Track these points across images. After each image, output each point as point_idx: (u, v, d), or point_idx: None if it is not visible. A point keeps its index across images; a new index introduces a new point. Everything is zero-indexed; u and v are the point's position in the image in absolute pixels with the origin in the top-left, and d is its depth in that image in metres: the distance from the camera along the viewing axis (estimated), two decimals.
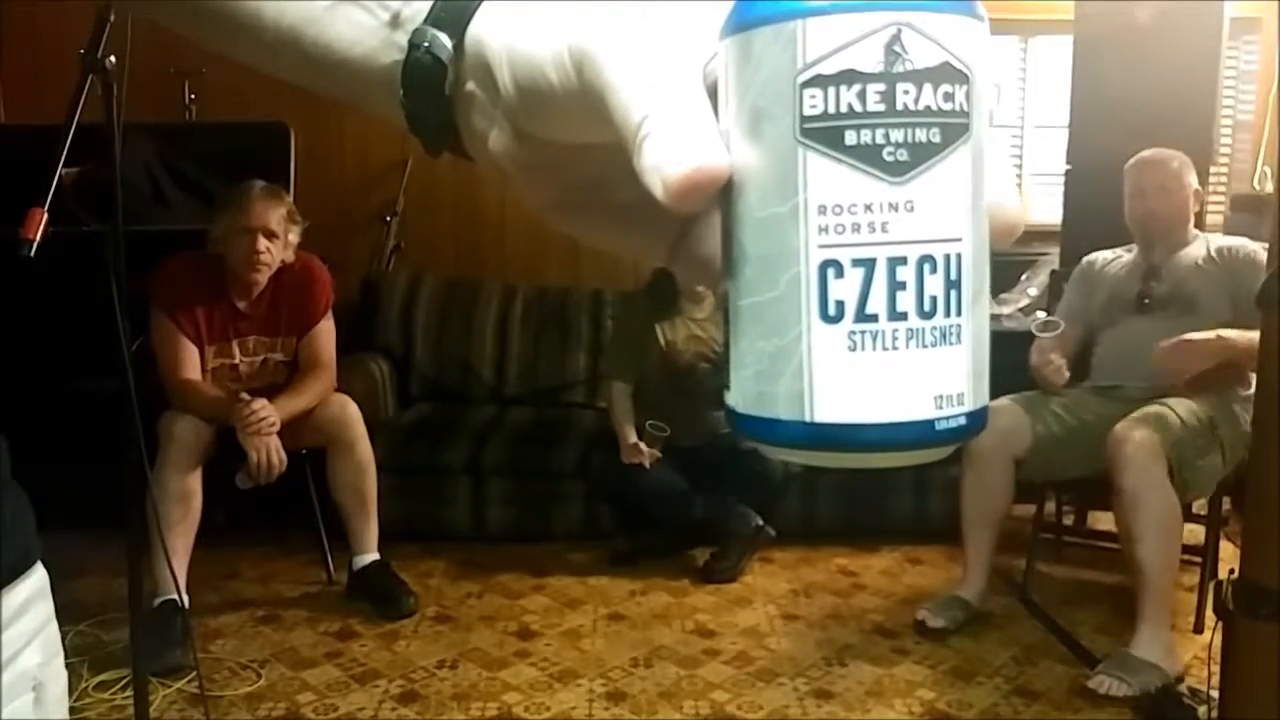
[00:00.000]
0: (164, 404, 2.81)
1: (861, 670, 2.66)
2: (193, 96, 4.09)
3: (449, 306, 4.15)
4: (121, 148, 1.85)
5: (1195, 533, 2.88)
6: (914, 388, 0.28)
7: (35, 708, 0.55)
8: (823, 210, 0.27)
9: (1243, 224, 4.05)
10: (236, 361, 2.99)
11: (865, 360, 0.28)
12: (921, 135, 0.27)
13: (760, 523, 3.31)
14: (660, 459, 3.31)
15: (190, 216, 3.47)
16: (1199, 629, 2.82)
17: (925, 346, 0.28)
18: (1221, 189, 4.52)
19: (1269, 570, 1.60)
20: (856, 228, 0.27)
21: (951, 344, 0.28)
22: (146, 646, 2.04)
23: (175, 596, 2.57)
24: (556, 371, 4.13)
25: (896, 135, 0.27)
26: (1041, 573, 3.23)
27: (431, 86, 0.35)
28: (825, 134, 0.27)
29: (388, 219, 4.23)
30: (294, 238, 2.95)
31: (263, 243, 2.84)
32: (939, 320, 0.28)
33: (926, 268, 0.27)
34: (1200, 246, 2.88)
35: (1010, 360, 2.94)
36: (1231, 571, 1.71)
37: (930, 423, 0.28)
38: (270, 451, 2.78)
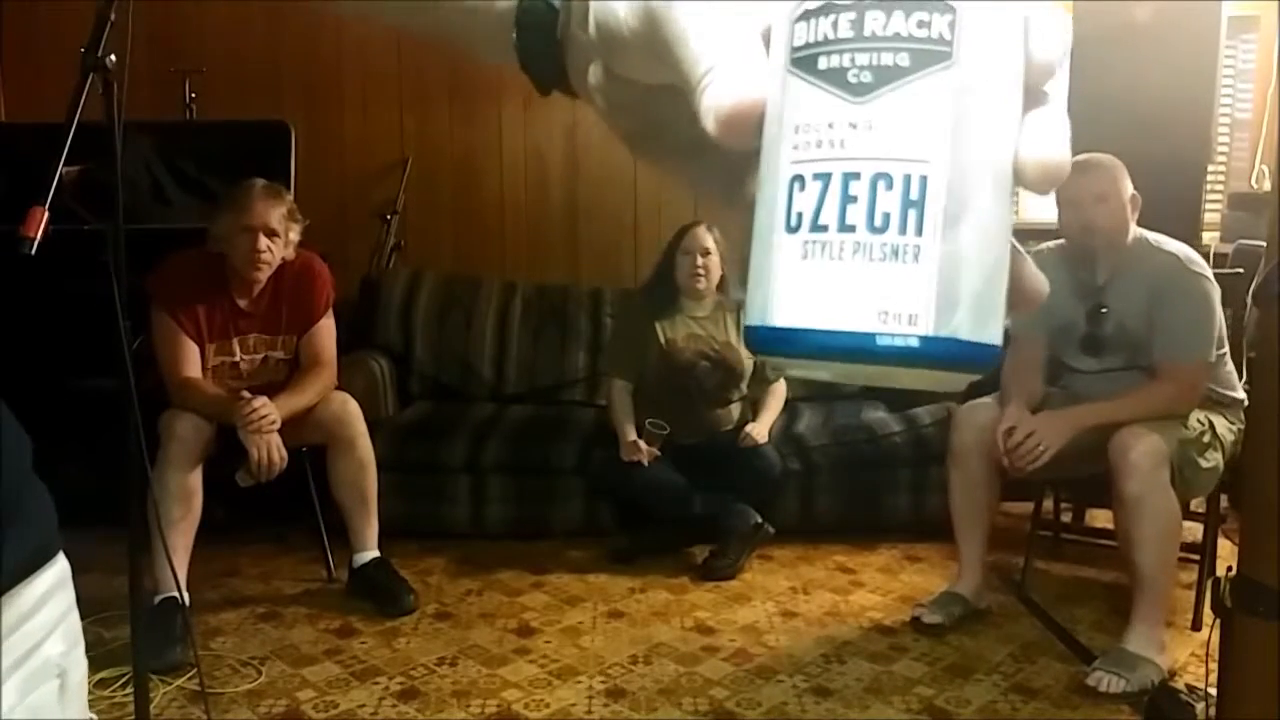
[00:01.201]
0: (165, 402, 2.81)
1: (860, 667, 2.66)
2: (193, 95, 4.09)
3: (449, 305, 4.16)
4: (122, 146, 1.85)
5: (1193, 530, 2.89)
6: (856, 299, 0.28)
7: (59, 696, 0.56)
8: (797, 130, 0.29)
9: (1241, 222, 4.06)
10: (237, 359, 2.99)
11: (813, 268, 0.29)
12: (888, 59, 0.28)
13: (759, 520, 3.31)
14: (659, 456, 3.32)
15: (191, 215, 3.48)
16: (1197, 626, 2.82)
17: (873, 260, 0.28)
18: (1219, 187, 4.52)
19: (1267, 567, 1.61)
20: (819, 144, 0.29)
21: (904, 262, 0.28)
22: (147, 644, 2.05)
23: (176, 594, 2.58)
24: (556, 369, 4.14)
25: (861, 59, 0.29)
26: (1039, 570, 3.23)
27: (544, 30, 0.38)
28: (805, 61, 0.29)
29: (388, 217, 4.23)
30: (295, 236, 2.96)
31: (263, 241, 2.85)
32: (891, 237, 0.28)
33: (881, 184, 0.28)
34: (1142, 260, 2.74)
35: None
36: (1229, 569, 1.71)
37: (872, 336, 0.28)
38: (271, 449, 2.78)
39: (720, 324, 3.46)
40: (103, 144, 1.80)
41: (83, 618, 0.61)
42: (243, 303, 2.95)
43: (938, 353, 0.29)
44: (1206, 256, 3.68)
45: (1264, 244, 3.60)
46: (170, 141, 3.80)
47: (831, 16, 0.29)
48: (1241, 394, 2.81)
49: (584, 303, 4.21)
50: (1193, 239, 3.46)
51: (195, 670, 2.43)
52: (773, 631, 2.89)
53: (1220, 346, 2.73)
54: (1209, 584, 2.11)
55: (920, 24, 0.28)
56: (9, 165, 3.13)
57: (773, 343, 0.30)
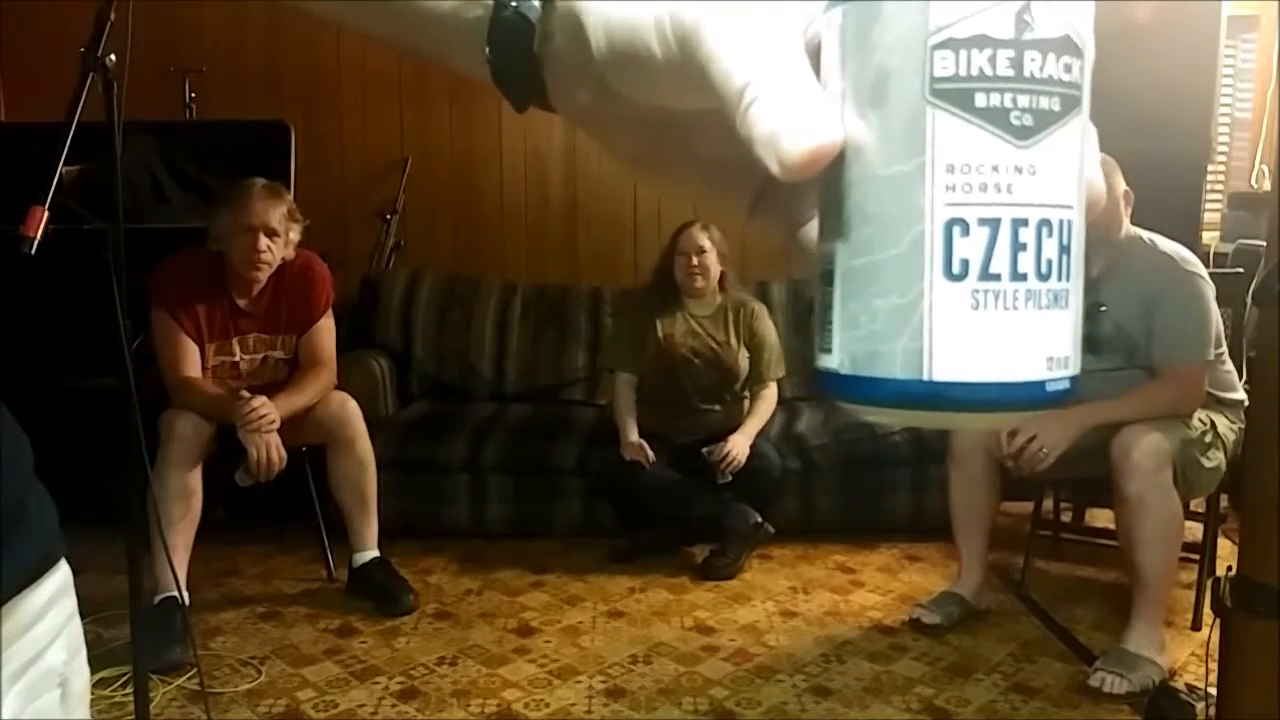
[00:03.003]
0: (164, 401, 2.82)
1: (860, 667, 2.66)
2: (193, 95, 4.09)
3: (448, 304, 4.16)
4: (122, 146, 1.85)
5: (1193, 530, 2.88)
6: (1030, 348, 0.28)
7: (61, 704, 0.55)
8: (950, 169, 0.28)
9: (1241, 222, 4.06)
10: (237, 359, 2.99)
11: (987, 319, 0.28)
12: (1044, 103, 0.28)
13: (759, 520, 3.31)
14: (659, 456, 3.32)
15: (191, 214, 3.48)
16: (1197, 626, 2.82)
17: (1041, 308, 0.28)
18: (1219, 187, 4.52)
19: (1267, 567, 1.61)
20: (984, 187, 0.28)
21: (1062, 307, 0.29)
22: (147, 643, 2.05)
23: (175, 593, 2.58)
24: (555, 369, 4.14)
25: (1023, 100, 0.28)
26: (1039, 570, 3.24)
27: (519, 44, 0.35)
28: (955, 95, 0.28)
29: (387, 217, 4.23)
30: (295, 236, 2.96)
31: (264, 241, 2.85)
32: (1053, 283, 0.28)
33: (1044, 231, 0.28)
34: (1137, 259, 2.73)
35: None
36: (1229, 568, 1.71)
37: (1042, 384, 0.28)
38: (270, 449, 2.78)
39: (721, 324, 3.46)
40: (103, 144, 1.80)
41: (82, 617, 0.60)
42: (242, 302, 2.95)
43: (1078, 389, 0.30)
44: (1206, 256, 3.70)
45: (1264, 244, 3.61)
46: (170, 141, 3.80)
47: (988, 51, 0.28)
48: (1241, 394, 2.81)
49: (584, 302, 4.21)
50: (1193, 239, 3.47)
51: (195, 670, 2.43)
52: (773, 631, 2.89)
53: (1219, 346, 2.73)
54: (1209, 584, 2.11)
55: (1066, 67, 0.28)
56: (9, 165, 3.14)
57: (932, 398, 0.28)
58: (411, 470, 3.49)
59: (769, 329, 3.52)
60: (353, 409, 3.02)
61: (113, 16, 1.76)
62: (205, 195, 3.57)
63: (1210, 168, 3.92)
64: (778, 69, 0.29)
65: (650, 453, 3.31)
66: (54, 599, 0.55)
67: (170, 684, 2.50)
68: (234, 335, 2.97)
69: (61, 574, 0.56)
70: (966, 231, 0.28)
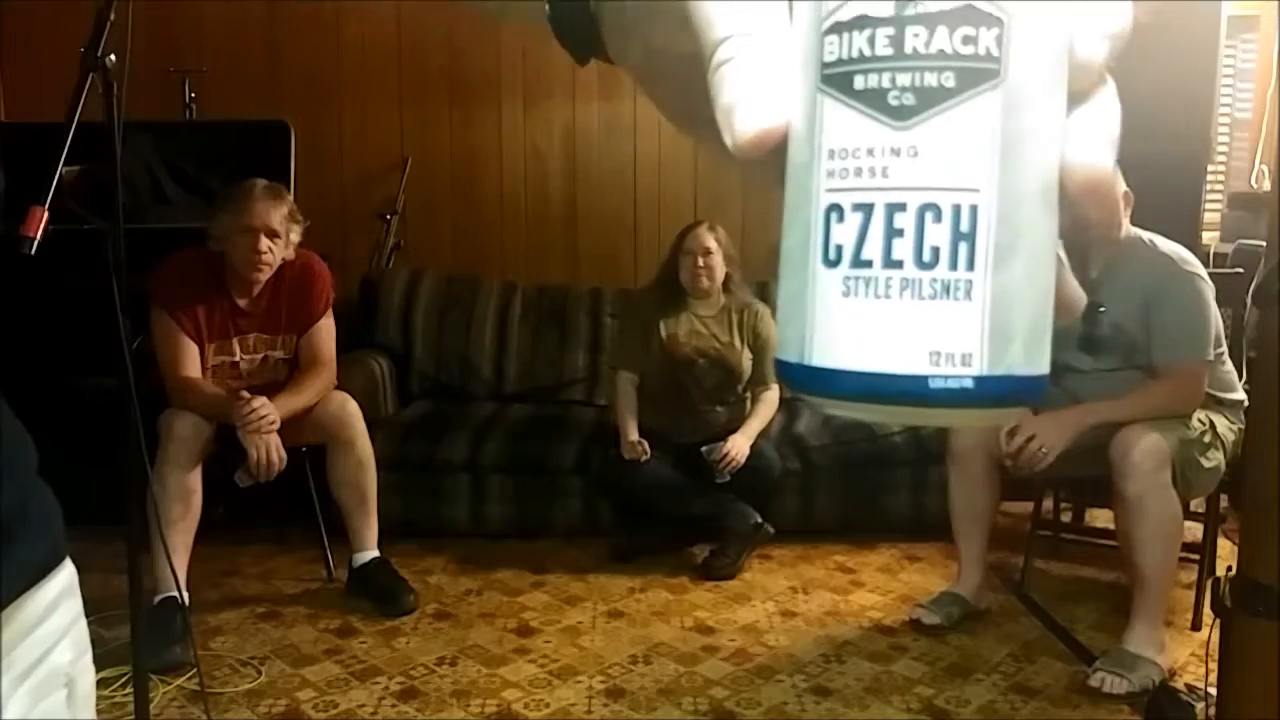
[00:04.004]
0: (164, 401, 2.81)
1: (860, 667, 2.66)
2: (193, 95, 4.09)
3: (448, 304, 4.16)
4: (122, 146, 1.85)
5: (1193, 530, 2.88)
6: (906, 340, 0.27)
7: (67, 704, 0.54)
8: (831, 155, 0.27)
9: (1241, 222, 4.06)
10: (237, 359, 2.99)
11: (857, 306, 0.27)
12: (931, 80, 0.26)
13: (759, 520, 3.31)
14: (659, 456, 3.32)
15: (190, 215, 3.48)
16: (1196, 626, 2.82)
17: (923, 298, 0.26)
18: (1219, 187, 4.52)
19: (1267, 567, 1.61)
20: (859, 172, 0.27)
21: (956, 299, 0.26)
22: (147, 643, 2.04)
23: (175, 593, 2.58)
24: (555, 369, 4.14)
25: (903, 79, 0.26)
26: (1039, 570, 3.23)
27: (577, 3, 0.37)
28: (838, 80, 0.27)
29: (387, 217, 4.23)
30: (295, 237, 2.96)
31: (264, 242, 2.85)
32: (941, 273, 0.26)
33: (929, 216, 0.26)
34: (1136, 259, 2.74)
35: None
36: (1229, 569, 1.71)
37: (924, 379, 0.27)
38: (270, 449, 2.78)
39: (724, 324, 3.46)
40: (103, 144, 1.80)
41: None
42: (242, 302, 2.95)
43: (993, 391, 0.27)
44: (1206, 256, 3.70)
45: (1264, 244, 3.61)
46: (170, 141, 3.80)
47: (867, 31, 0.26)
48: (1241, 394, 2.81)
49: (584, 302, 4.21)
50: (1193, 239, 3.47)
51: (195, 670, 2.43)
52: (773, 631, 2.89)
53: (1219, 346, 2.73)
54: (1209, 584, 2.11)
55: (966, 39, 0.26)
56: (9, 164, 3.13)
57: (811, 382, 0.28)
58: (411, 470, 3.49)
59: (773, 330, 3.51)
60: (353, 409, 3.02)
61: (113, 16, 1.76)
62: (205, 195, 3.57)
63: (1210, 168, 3.92)
64: (755, 32, 0.28)
65: (647, 447, 3.31)
66: (59, 599, 0.55)
67: (170, 684, 2.50)
68: (234, 335, 2.97)
69: (66, 574, 0.55)
70: (841, 217, 0.27)
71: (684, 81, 0.33)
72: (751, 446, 3.31)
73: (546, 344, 4.16)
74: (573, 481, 3.54)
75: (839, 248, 0.27)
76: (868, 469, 3.57)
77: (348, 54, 4.35)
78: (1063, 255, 0.29)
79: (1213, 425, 2.70)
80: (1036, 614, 2.98)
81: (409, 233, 4.33)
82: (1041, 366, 0.28)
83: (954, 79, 0.26)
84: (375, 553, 3.06)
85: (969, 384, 0.27)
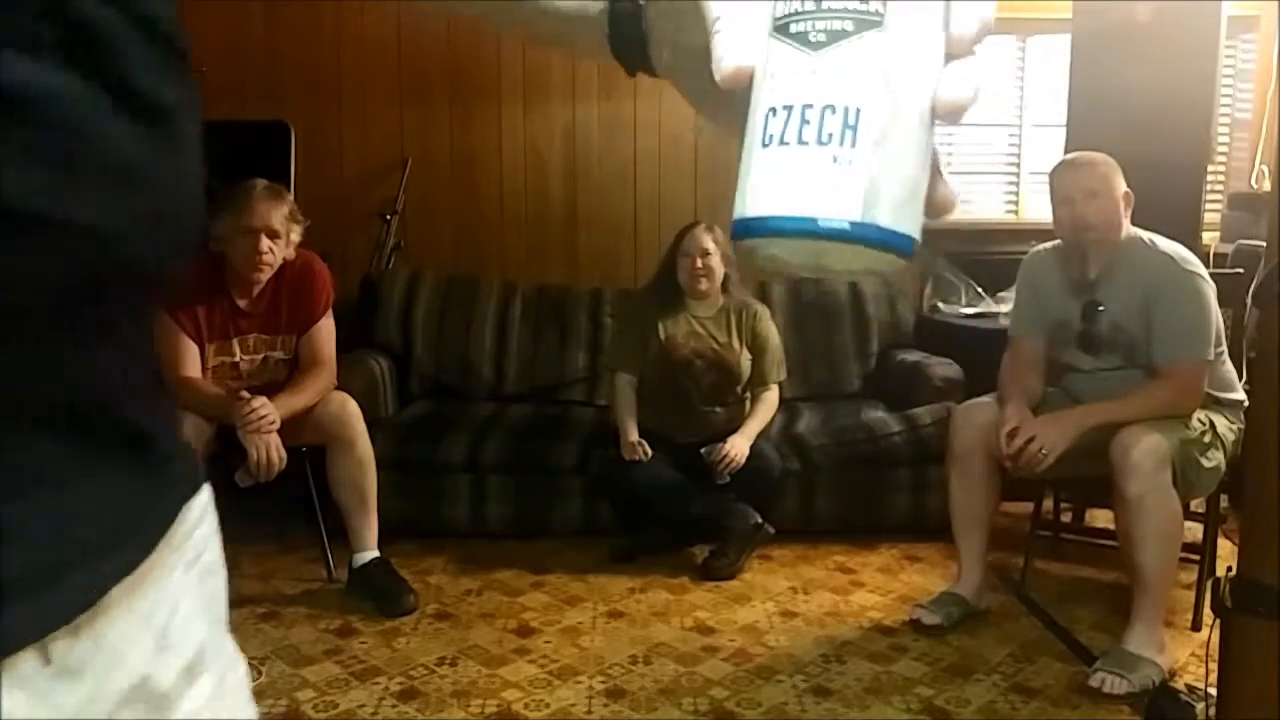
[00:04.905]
0: None
1: (860, 667, 2.66)
2: None
3: (449, 304, 4.16)
4: None
5: (1193, 530, 2.88)
6: (806, 192, 0.38)
7: (221, 595, 0.59)
8: (772, 75, 0.40)
9: (1241, 222, 4.06)
10: (237, 359, 2.99)
11: (778, 172, 0.39)
12: (838, 24, 0.38)
13: (759, 520, 3.31)
14: (659, 456, 3.32)
15: None
16: (1196, 626, 2.82)
17: (819, 165, 0.38)
18: (1219, 187, 4.53)
19: (1267, 567, 1.61)
20: (789, 86, 0.39)
21: (842, 167, 0.38)
22: None
23: None
24: (555, 369, 4.14)
25: (820, 24, 0.39)
26: (1039, 570, 3.24)
27: (633, 24, 0.49)
28: (781, 27, 0.40)
29: (388, 217, 4.23)
30: (295, 237, 2.96)
31: (265, 243, 2.85)
32: (833, 149, 0.38)
33: (828, 112, 0.38)
34: (1136, 259, 2.75)
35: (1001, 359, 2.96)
36: (1230, 569, 1.71)
37: (815, 220, 0.38)
38: (270, 449, 2.78)
39: (723, 325, 3.46)
40: None
41: None
42: (242, 303, 2.95)
43: (864, 235, 0.38)
44: (1206, 256, 3.69)
45: (1264, 244, 3.60)
46: None
47: None
48: (1241, 394, 2.81)
49: (584, 302, 4.21)
50: (1193, 239, 3.46)
51: None
52: (773, 631, 2.89)
53: (1219, 346, 2.73)
54: (1209, 584, 2.11)
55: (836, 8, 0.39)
56: None
57: (746, 229, 0.40)
58: (411, 470, 3.49)
59: (771, 331, 3.52)
60: (353, 409, 3.02)
61: None
62: (205, 195, 3.55)
63: (1210, 168, 3.91)
64: (733, 11, 0.42)
65: (647, 448, 3.31)
66: (206, 508, 0.58)
67: None
68: (234, 335, 2.97)
69: (207, 492, 0.58)
70: (775, 114, 0.39)
71: (698, 67, 0.44)
72: (751, 447, 3.31)
73: (546, 344, 4.16)
74: (573, 481, 3.54)
75: (770, 135, 0.39)
76: (868, 469, 3.57)
77: (348, 54, 4.35)
78: (940, 166, 0.42)
79: (1213, 425, 2.70)
80: (1036, 614, 2.98)
81: (409, 233, 4.34)
82: (908, 229, 0.39)
83: (851, 25, 0.38)
84: (375, 553, 3.07)
85: (846, 226, 0.38)
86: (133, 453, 0.47)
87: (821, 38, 0.38)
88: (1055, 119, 4.13)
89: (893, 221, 0.38)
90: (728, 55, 0.41)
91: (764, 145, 0.39)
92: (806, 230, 0.38)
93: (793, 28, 0.39)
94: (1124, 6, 3.70)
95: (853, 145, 0.38)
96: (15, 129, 0.34)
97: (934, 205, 0.41)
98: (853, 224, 0.38)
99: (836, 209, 0.38)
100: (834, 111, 0.38)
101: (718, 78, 0.41)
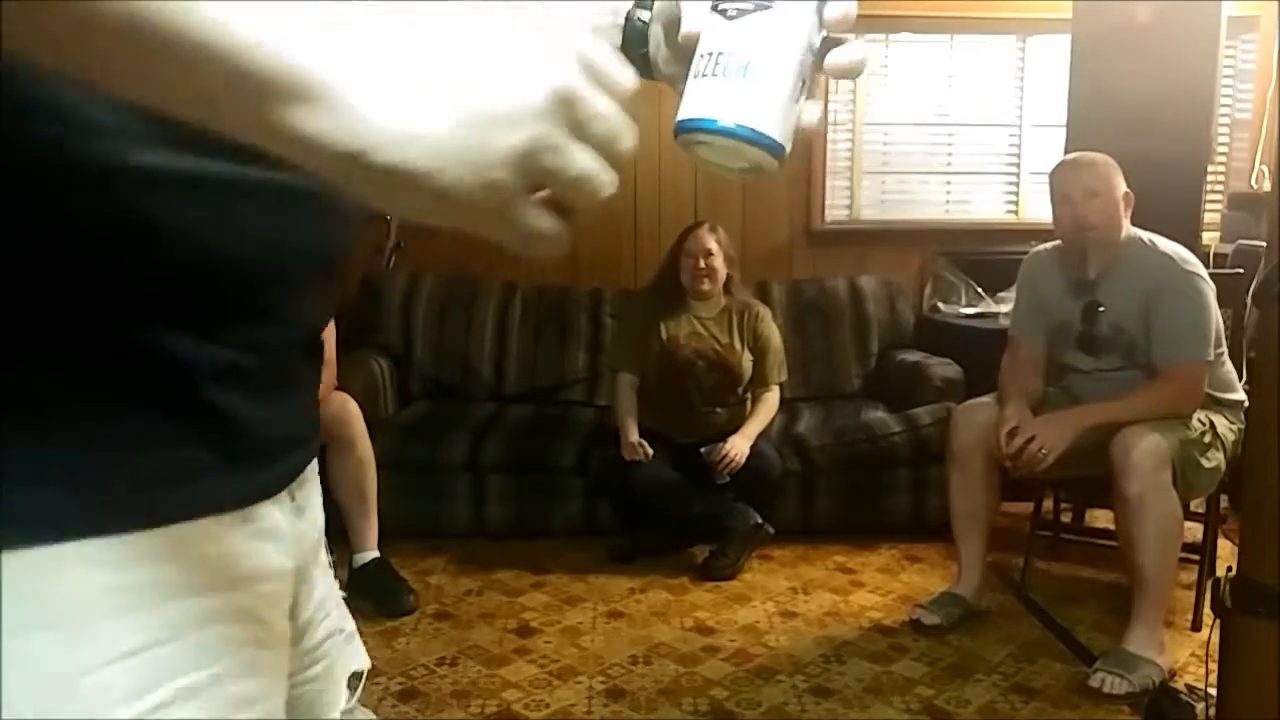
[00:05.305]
0: None
1: (860, 667, 2.66)
2: None
3: (449, 305, 4.16)
4: None
5: (1193, 531, 2.88)
6: (711, 104, 0.58)
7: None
8: (705, 35, 0.60)
9: (1241, 222, 4.06)
10: None
11: (699, 90, 0.59)
12: (745, 5, 0.59)
13: (759, 520, 3.31)
14: (659, 456, 3.32)
15: None
16: (1196, 626, 2.82)
17: (722, 87, 0.58)
18: (1219, 187, 4.53)
19: (1267, 567, 1.61)
20: (715, 40, 0.59)
21: (737, 91, 0.58)
22: None
23: None
24: (555, 369, 4.14)
25: (735, 5, 0.59)
26: (1039, 570, 3.24)
27: (641, 39, 0.67)
28: (715, 6, 0.60)
29: (388, 217, 4.23)
30: None
31: None
32: (734, 80, 0.58)
33: (733, 59, 0.58)
34: (1136, 259, 2.75)
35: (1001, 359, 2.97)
36: (1229, 569, 1.71)
37: (715, 120, 0.58)
38: None
39: (725, 326, 3.46)
40: None
41: None
42: None
43: (745, 136, 0.57)
44: (1206, 256, 3.69)
45: (1264, 244, 3.61)
46: None
47: None
48: (1241, 394, 2.81)
49: (583, 303, 4.21)
50: (1193, 239, 3.46)
51: None
52: (773, 631, 2.89)
53: (1219, 346, 2.73)
54: (1209, 584, 2.11)
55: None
56: None
57: (678, 127, 0.59)
58: (411, 470, 3.49)
59: (773, 332, 3.52)
60: (353, 409, 3.02)
61: None
62: None
63: (1210, 168, 3.91)
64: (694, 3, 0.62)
65: (648, 448, 3.31)
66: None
67: None
68: None
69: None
70: (703, 59, 0.59)
71: (679, 58, 0.64)
72: (751, 447, 3.31)
73: (546, 344, 4.16)
74: (573, 481, 3.54)
75: (698, 71, 0.59)
76: (868, 469, 3.57)
77: None
78: (814, 93, 0.60)
79: (1213, 425, 2.70)
80: (1036, 614, 2.98)
81: (409, 233, 4.33)
82: (779, 139, 0.58)
83: (753, 6, 0.58)
84: (375, 553, 3.06)
85: (733, 126, 0.57)
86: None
87: (734, 13, 0.59)
88: (1055, 119, 4.13)
89: (766, 129, 0.58)
90: (687, 24, 0.61)
91: (694, 78, 0.59)
92: (709, 128, 0.58)
93: (720, 6, 0.60)
94: (1124, 6, 3.70)
95: (743, 76, 0.58)
96: None
97: (804, 120, 0.59)
98: (738, 125, 0.57)
99: (731, 117, 0.57)
100: (736, 58, 0.58)
101: (679, 38, 0.61)
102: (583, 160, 0.45)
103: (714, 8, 0.60)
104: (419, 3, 0.43)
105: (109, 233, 0.51)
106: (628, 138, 0.47)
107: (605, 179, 0.46)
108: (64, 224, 0.50)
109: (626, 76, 0.46)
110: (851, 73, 0.59)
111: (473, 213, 0.44)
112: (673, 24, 0.63)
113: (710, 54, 0.58)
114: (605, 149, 0.46)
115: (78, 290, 0.51)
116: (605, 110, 0.45)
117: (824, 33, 0.59)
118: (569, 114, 0.44)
